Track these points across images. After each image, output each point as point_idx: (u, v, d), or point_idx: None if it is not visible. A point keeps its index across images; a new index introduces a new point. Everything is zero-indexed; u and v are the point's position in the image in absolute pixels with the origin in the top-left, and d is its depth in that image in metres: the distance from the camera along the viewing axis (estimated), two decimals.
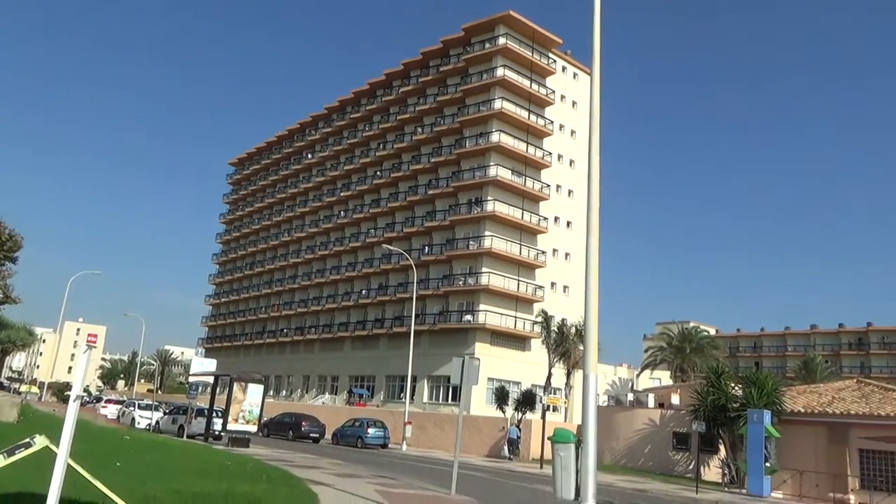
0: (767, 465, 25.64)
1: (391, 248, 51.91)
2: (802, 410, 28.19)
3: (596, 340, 8.96)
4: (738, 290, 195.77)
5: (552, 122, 56.68)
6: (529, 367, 50.22)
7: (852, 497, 25.22)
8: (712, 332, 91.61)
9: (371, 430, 36.47)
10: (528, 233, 53.97)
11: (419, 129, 60.01)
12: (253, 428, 26.98)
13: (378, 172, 64.17)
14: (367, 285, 61.56)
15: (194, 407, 32.51)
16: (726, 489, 26.99)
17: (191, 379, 41.21)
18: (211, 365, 40.15)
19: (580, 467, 8.40)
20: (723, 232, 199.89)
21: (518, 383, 49.29)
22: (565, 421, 43.63)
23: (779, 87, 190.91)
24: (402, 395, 48.19)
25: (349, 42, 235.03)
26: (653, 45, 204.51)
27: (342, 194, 67.68)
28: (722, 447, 30.08)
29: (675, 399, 36.68)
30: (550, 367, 45.36)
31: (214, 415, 28.49)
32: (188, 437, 28.82)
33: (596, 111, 9.97)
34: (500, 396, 41.14)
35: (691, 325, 77.57)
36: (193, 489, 10.18)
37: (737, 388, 31.15)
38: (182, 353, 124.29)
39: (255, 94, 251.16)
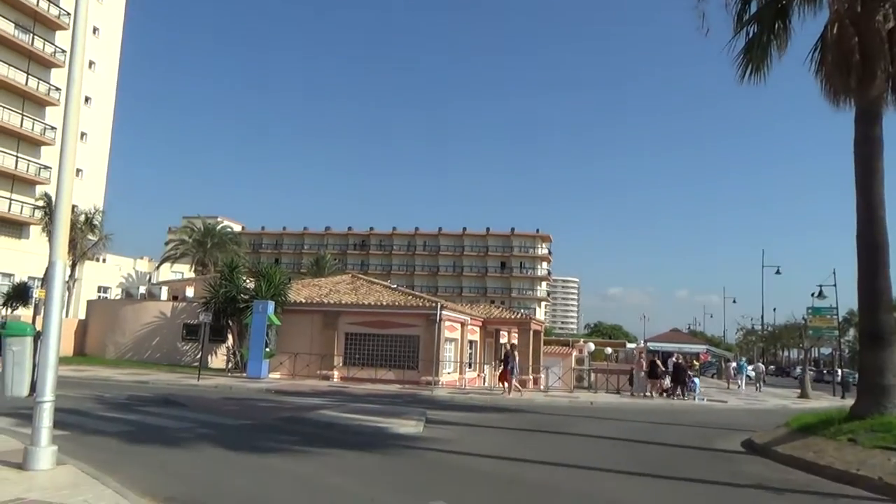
0: (267, 350, 27.83)
1: None
2: (304, 301, 31.23)
3: (67, 225, 8.08)
4: (266, 191, 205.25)
5: None
6: (27, 257, 43.79)
7: (336, 372, 29.31)
8: (238, 228, 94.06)
9: None
10: (33, 102, 45.97)
11: None
12: None
13: None
14: None
15: None
16: (229, 374, 28.50)
17: None
18: None
19: (38, 361, 7.59)
20: (256, 137, 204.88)
21: (11, 275, 42.76)
22: (68, 315, 39.80)
23: None
24: None
25: None
26: None
27: None
28: (231, 336, 31.51)
29: (190, 292, 36.73)
30: None
31: None
32: None
33: None
34: None
35: (218, 220, 78.14)
36: None
37: (249, 281, 32.76)
38: None
39: None
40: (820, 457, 11.46)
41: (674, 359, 30.53)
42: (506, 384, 25.83)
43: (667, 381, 29.38)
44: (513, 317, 38.76)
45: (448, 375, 29.53)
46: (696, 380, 30.43)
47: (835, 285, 38.41)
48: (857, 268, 14.94)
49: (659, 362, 29.87)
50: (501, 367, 26.77)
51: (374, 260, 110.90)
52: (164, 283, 43.31)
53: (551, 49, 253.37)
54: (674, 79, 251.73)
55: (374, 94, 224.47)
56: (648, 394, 28.89)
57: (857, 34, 14.62)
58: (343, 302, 30.74)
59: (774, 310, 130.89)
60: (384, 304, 30.08)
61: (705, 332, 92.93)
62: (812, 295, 39.42)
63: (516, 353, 27.26)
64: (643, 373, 30.01)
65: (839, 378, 40.18)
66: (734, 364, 44.55)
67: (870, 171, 14.93)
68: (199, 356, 29.11)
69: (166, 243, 63.40)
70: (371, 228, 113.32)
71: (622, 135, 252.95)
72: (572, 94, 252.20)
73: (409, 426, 14.04)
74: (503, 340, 39.05)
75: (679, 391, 28.67)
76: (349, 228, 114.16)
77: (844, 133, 16.29)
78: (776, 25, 16.23)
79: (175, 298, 36.45)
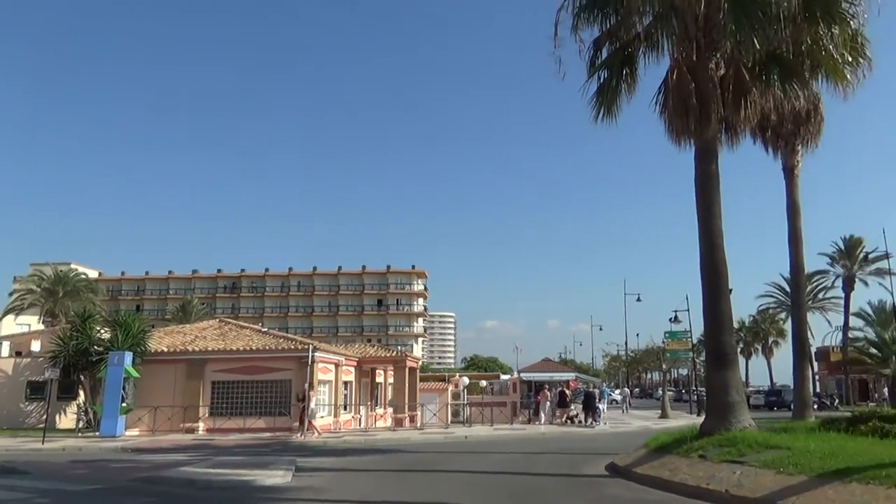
0: (124, 405, 25.85)
1: None
2: (166, 350, 29.41)
3: None
4: (126, 235, 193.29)
5: None
6: None
7: (201, 424, 27.66)
8: (94, 274, 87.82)
9: None
10: None
11: None
12: None
13: None
14: None
15: None
16: (80, 434, 26.15)
17: None
18: None
19: None
20: (111, 179, 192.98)
21: None
22: None
23: None
24: None
25: None
26: None
27: None
28: (82, 392, 29.05)
29: (37, 346, 33.67)
30: None
31: None
32: None
33: None
34: None
35: (71, 266, 72.54)
36: None
37: (105, 331, 30.48)
38: None
39: None
40: (674, 474, 12.12)
41: (570, 388, 34.22)
42: (306, 425, 24.77)
43: (573, 409, 32.25)
44: (388, 355, 38.46)
45: (322, 419, 28.71)
46: (601, 406, 32.60)
47: (688, 310, 41.38)
48: (702, 294, 16.17)
49: (568, 392, 32.64)
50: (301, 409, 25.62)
51: (245, 303, 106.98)
52: (6, 337, 39.39)
53: (428, 99, 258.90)
54: (541, 123, 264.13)
55: (243, 134, 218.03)
56: (557, 421, 31.44)
57: (694, 80, 16.11)
58: (209, 349, 29.25)
59: (637, 335, 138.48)
60: (254, 348, 28.94)
61: (575, 360, 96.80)
62: (669, 320, 42.26)
63: (312, 393, 26.11)
64: (548, 403, 32.55)
65: (695, 397, 43.02)
66: (597, 390, 46.61)
67: (709, 204, 16.30)
68: (44, 417, 26.54)
69: (10, 294, 57.93)
70: (242, 270, 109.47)
71: (495, 178, 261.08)
72: (444, 141, 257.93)
73: (276, 477, 13.42)
74: (379, 379, 38.66)
75: (590, 418, 30.91)
76: (219, 271, 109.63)
77: (689, 168, 17.82)
78: (624, 71, 17.56)
79: (19, 354, 33.22)
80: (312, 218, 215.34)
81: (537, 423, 31.92)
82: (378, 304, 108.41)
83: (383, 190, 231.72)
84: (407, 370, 35.60)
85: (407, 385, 34.96)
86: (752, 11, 14.64)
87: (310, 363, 27.31)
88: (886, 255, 53.08)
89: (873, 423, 13.99)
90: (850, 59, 15.98)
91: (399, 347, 70.90)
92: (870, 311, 56.26)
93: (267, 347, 29.02)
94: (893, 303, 51.04)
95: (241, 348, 29.07)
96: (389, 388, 38.59)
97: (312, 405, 25.28)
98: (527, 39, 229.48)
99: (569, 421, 31.48)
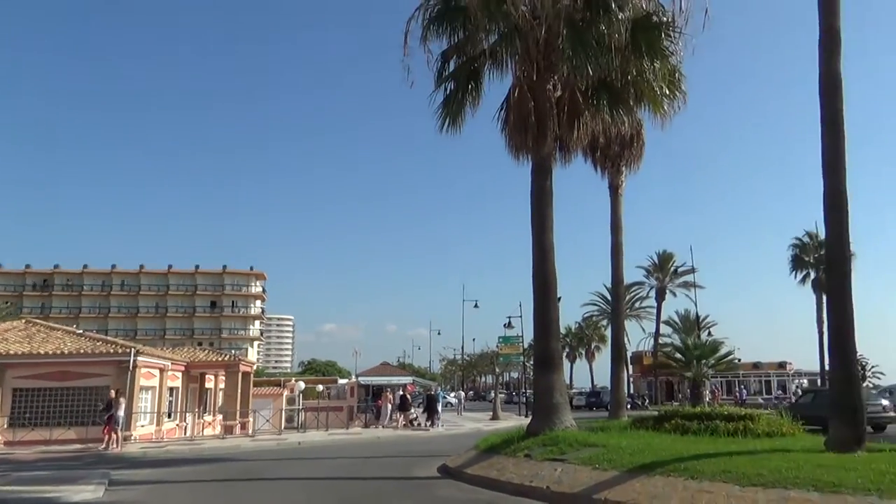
0: None
1: None
2: None
3: None
4: None
5: None
6: None
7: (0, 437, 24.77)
8: None
9: None
10: None
11: None
12: None
13: None
14: None
15: None
16: None
17: None
18: None
19: None
20: None
21: None
22: None
23: None
24: None
25: None
26: None
27: None
28: None
29: None
30: None
31: None
32: None
33: None
34: None
35: None
36: None
37: None
38: None
39: None
40: (502, 473, 12.64)
41: (409, 392, 36.23)
42: (112, 436, 22.72)
43: (413, 413, 33.77)
44: (219, 359, 36.65)
45: (142, 429, 26.83)
46: (438, 409, 34.08)
47: (521, 316, 43.31)
48: (533, 302, 17.02)
49: (409, 395, 34.79)
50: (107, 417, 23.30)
51: (58, 302, 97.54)
52: None
53: (270, 94, 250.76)
54: (385, 124, 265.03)
55: (63, 125, 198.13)
56: (394, 424, 32.44)
57: (533, 99, 17.00)
58: (11, 352, 26.20)
59: (474, 340, 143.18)
60: (66, 352, 26.33)
61: (413, 364, 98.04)
62: (503, 325, 44.02)
63: (121, 399, 23.97)
64: (390, 406, 33.85)
65: (525, 398, 45.19)
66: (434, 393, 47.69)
67: (543, 217, 17.21)
68: None
69: None
70: (56, 266, 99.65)
71: (337, 181, 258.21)
72: (284, 139, 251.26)
73: (86, 492, 12.29)
74: (209, 385, 36.84)
75: (430, 420, 32.27)
76: (27, 266, 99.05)
77: (526, 182, 18.77)
78: (470, 85, 18.12)
79: None
80: (141, 213, 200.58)
81: (377, 426, 32.44)
82: (212, 305, 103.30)
83: (222, 187, 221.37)
84: (240, 375, 34.14)
85: (239, 391, 33.51)
86: (587, 40, 15.73)
87: (131, 368, 25.42)
88: (692, 270, 59.83)
89: (675, 421, 15.46)
90: (668, 91, 17.56)
91: (232, 351, 68.09)
92: (677, 320, 62.60)
93: (81, 351, 26.57)
94: (696, 312, 57.25)
95: (51, 352, 26.40)
96: (220, 394, 36.89)
97: (120, 413, 23.32)
98: (380, 43, 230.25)
99: (409, 424, 32.36)
